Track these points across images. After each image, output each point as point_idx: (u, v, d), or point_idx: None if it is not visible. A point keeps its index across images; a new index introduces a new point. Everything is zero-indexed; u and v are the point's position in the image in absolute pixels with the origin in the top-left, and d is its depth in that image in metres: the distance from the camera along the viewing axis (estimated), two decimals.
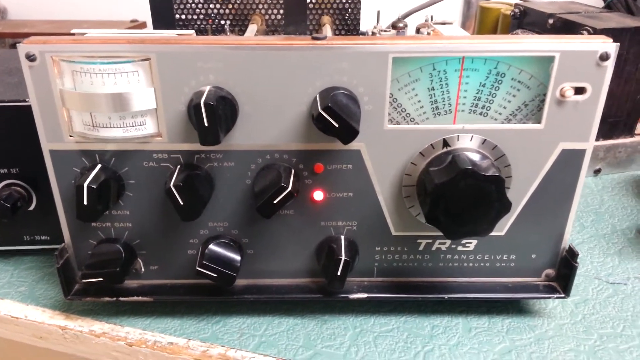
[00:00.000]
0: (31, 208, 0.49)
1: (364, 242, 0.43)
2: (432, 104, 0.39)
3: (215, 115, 0.35)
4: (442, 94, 0.38)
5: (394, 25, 0.75)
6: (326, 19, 0.66)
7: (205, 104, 0.34)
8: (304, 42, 0.36)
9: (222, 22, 0.67)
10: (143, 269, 0.44)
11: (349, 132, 0.35)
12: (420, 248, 0.44)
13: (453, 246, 0.44)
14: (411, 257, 0.44)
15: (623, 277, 0.51)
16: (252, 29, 0.61)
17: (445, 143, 0.39)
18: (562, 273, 0.45)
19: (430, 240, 0.43)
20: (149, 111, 0.38)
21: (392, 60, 0.37)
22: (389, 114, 0.38)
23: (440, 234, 0.42)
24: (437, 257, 0.44)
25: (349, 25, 0.67)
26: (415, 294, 0.44)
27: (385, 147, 0.39)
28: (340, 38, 0.37)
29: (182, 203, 0.37)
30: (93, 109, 0.37)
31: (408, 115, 0.39)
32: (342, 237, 0.42)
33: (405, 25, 0.76)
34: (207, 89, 0.36)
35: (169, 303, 0.45)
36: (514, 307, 0.47)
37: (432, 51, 0.37)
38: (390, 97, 0.38)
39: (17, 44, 0.36)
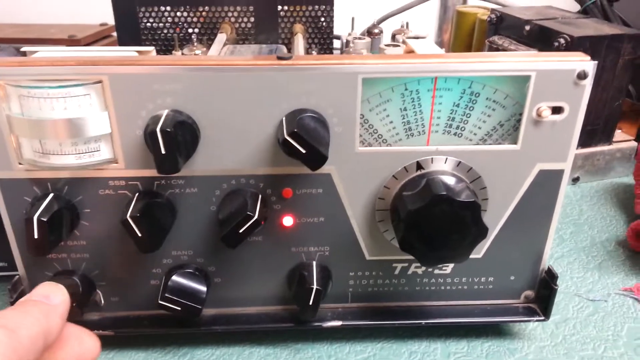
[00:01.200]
0: None
1: (337, 267, 0.41)
2: (404, 125, 0.37)
3: (173, 142, 0.32)
4: (415, 115, 0.37)
5: (369, 32, 0.74)
6: (298, 27, 0.64)
7: (161, 130, 0.32)
8: (269, 62, 0.34)
9: (190, 30, 0.64)
10: (103, 301, 0.41)
11: (316, 158, 0.33)
12: (396, 272, 0.42)
13: (429, 270, 0.42)
14: (387, 282, 0.42)
15: (603, 294, 0.50)
16: (220, 38, 0.59)
17: (419, 166, 0.37)
18: (542, 294, 0.43)
19: (405, 264, 0.42)
20: (104, 136, 0.35)
21: (361, 81, 0.35)
22: (361, 136, 0.37)
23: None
24: (413, 281, 0.42)
25: (322, 34, 0.65)
26: (391, 319, 0.42)
27: (357, 170, 0.37)
28: (307, 58, 0.35)
29: (140, 235, 0.35)
30: (43, 136, 0.34)
31: (380, 136, 0.37)
32: (314, 263, 0.40)
33: (381, 31, 0.74)
34: (164, 113, 0.34)
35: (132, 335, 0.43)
36: (493, 330, 0.45)
37: (404, 71, 0.35)
38: (361, 118, 0.36)
39: None
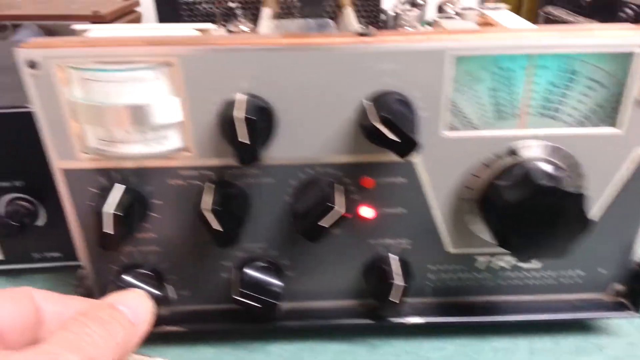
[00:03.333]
0: (40, 223, 0.45)
1: (416, 260, 0.38)
2: (494, 107, 0.34)
3: (255, 130, 0.30)
4: (507, 95, 0.33)
5: (412, 2, 0.70)
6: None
7: (246, 118, 0.30)
8: (350, 40, 0.31)
9: (231, 4, 0.61)
10: (175, 296, 0.39)
11: (408, 145, 0.30)
12: (479, 266, 0.39)
13: (515, 263, 0.39)
14: (469, 276, 0.40)
15: None
16: (267, 13, 0.56)
17: (512, 151, 0.34)
18: (633, 288, 0.40)
19: (490, 257, 0.39)
20: (174, 124, 0.33)
21: (451, 59, 0.32)
22: (447, 120, 0.34)
23: (502, 250, 0.37)
24: (497, 274, 0.40)
25: (369, 6, 0.61)
26: (474, 314, 0.40)
27: (443, 158, 0.35)
28: (392, 34, 0.32)
29: (218, 228, 0.33)
30: (109, 124, 0.32)
31: (467, 119, 0.34)
32: (394, 256, 0.38)
33: (425, 2, 0.70)
34: (242, 98, 0.32)
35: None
36: (579, 324, 0.42)
37: (497, 47, 0.32)
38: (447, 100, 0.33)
39: (15, 49, 0.31)
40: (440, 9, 0.63)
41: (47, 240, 0.46)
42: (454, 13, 0.57)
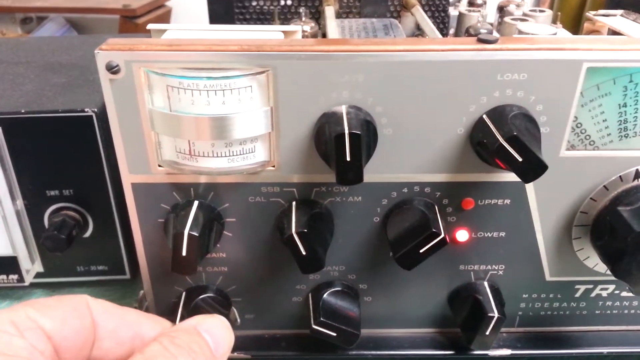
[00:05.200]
0: (86, 235, 0.41)
1: (509, 287, 0.35)
2: (619, 124, 0.30)
3: (360, 147, 0.26)
4: (635, 112, 0.30)
5: (470, 2, 0.66)
6: None
7: (350, 134, 0.26)
8: (470, 47, 0.28)
9: (287, 2, 0.57)
10: (239, 320, 0.36)
11: (535, 167, 0.27)
12: (577, 295, 0.36)
13: (617, 291, 0.36)
14: (564, 305, 0.36)
15: None
16: (330, 12, 0.52)
17: (638, 174, 0.31)
18: None
19: (590, 286, 0.35)
20: (262, 135, 0.29)
21: (585, 71, 0.28)
22: (568, 138, 0.30)
23: (605, 278, 0.34)
24: (594, 303, 0.36)
25: (437, 6, 0.58)
26: (566, 347, 0.37)
27: (558, 179, 0.31)
28: (516, 41, 0.28)
29: (305, 253, 0.29)
30: (193, 135, 0.28)
31: (588, 137, 0.30)
32: (486, 284, 0.34)
33: (484, 2, 0.66)
34: (343, 110, 0.28)
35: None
36: None
37: (633, 60, 0.28)
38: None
39: (95, 52, 0.27)
40: (501, 9, 0.60)
41: (93, 253, 0.42)
42: (522, 14, 0.53)
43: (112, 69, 0.27)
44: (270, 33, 0.32)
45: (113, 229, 0.41)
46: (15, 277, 0.41)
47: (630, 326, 0.37)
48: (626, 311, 0.37)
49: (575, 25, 0.76)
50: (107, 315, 0.25)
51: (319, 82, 0.28)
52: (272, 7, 0.56)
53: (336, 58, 0.27)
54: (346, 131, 0.26)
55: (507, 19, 0.49)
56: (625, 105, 0.30)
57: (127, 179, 0.31)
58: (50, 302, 0.23)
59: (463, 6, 0.61)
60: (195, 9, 0.65)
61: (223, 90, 0.27)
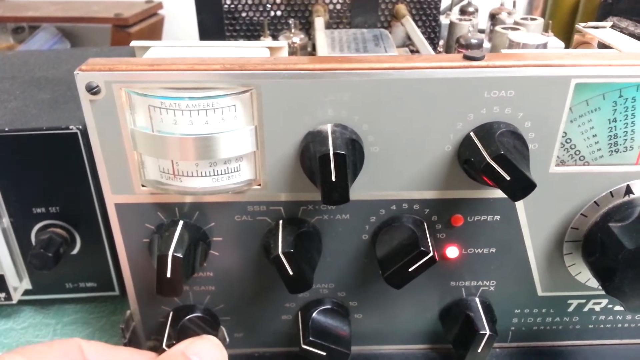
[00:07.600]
0: (74, 252, 0.41)
1: (501, 303, 0.35)
2: (609, 139, 0.30)
3: (344, 166, 0.26)
4: (625, 127, 0.29)
5: (462, 10, 0.66)
6: (402, 8, 0.56)
7: (335, 154, 0.25)
8: (456, 65, 0.27)
9: (276, 13, 0.57)
10: (227, 339, 0.36)
11: (523, 186, 0.26)
12: (570, 309, 0.35)
13: (610, 306, 0.35)
14: (556, 319, 0.36)
15: None
16: (319, 24, 0.52)
17: (629, 190, 0.30)
18: None
19: (583, 301, 0.35)
20: (247, 154, 0.29)
21: (574, 87, 0.28)
22: (557, 154, 0.30)
23: (598, 293, 0.34)
24: (587, 318, 0.36)
25: (427, 15, 0.57)
26: None
27: (548, 195, 0.31)
28: (503, 57, 0.28)
29: (291, 273, 0.29)
30: (177, 156, 0.28)
31: (578, 153, 0.30)
32: (477, 300, 0.34)
33: (476, 10, 0.66)
34: (328, 129, 0.27)
35: None
36: None
37: (624, 75, 0.28)
38: None
39: (75, 72, 0.27)
40: (493, 17, 0.59)
41: (80, 269, 0.41)
42: (513, 23, 0.53)
43: (92, 89, 0.27)
44: (255, 50, 0.32)
45: (101, 246, 0.40)
46: (2, 295, 0.41)
47: (623, 340, 0.37)
48: (619, 325, 0.36)
49: (567, 33, 0.76)
50: (99, 357, 0.25)
51: (304, 100, 0.27)
52: (261, 19, 0.56)
53: (320, 77, 0.27)
54: (331, 151, 0.26)
55: (498, 27, 0.49)
56: (615, 120, 0.29)
57: (111, 200, 0.30)
58: (41, 348, 0.23)
59: (454, 15, 0.60)
60: (187, 17, 0.64)
61: (206, 109, 0.27)
